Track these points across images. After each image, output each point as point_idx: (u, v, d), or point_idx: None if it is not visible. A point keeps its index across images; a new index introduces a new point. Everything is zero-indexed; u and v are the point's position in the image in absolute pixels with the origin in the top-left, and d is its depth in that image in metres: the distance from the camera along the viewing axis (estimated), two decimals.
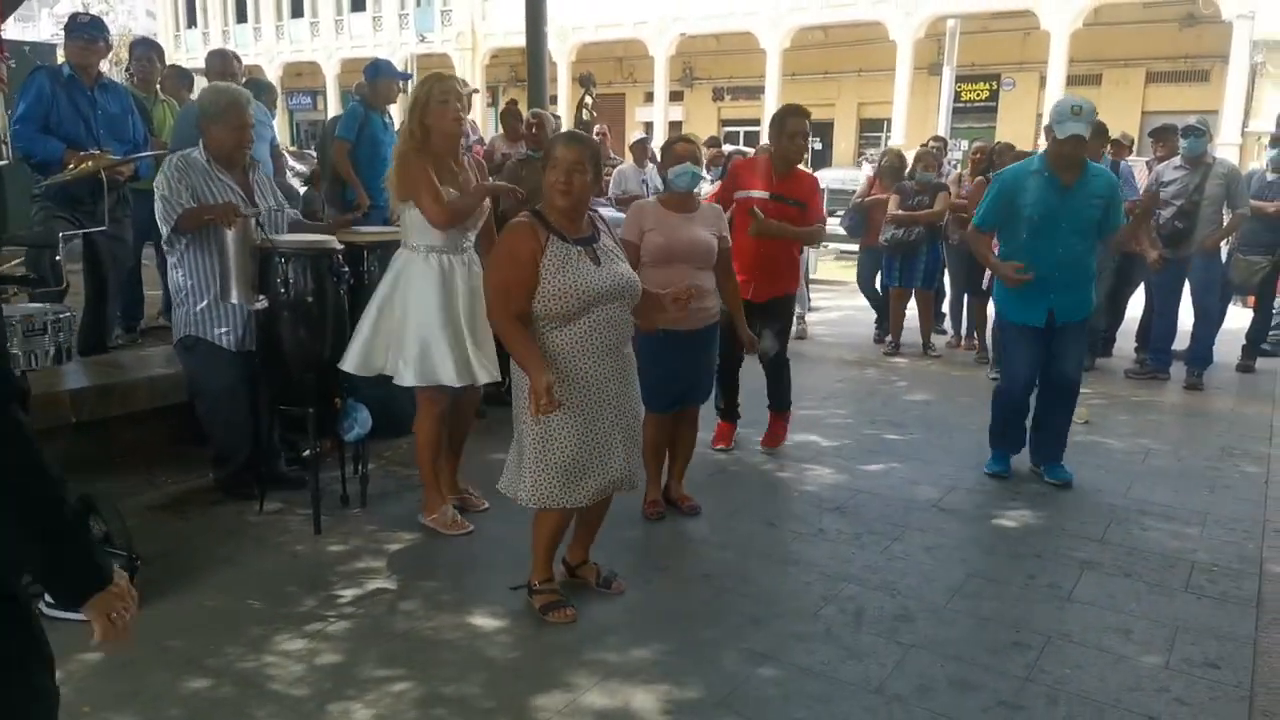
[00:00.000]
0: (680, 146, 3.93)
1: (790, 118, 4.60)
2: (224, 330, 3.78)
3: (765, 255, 4.57)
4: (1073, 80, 22.96)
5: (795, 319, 8.18)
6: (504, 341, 3.00)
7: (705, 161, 8.89)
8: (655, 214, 3.82)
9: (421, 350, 3.56)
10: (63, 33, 4.90)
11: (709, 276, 3.88)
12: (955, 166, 9.85)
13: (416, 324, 3.58)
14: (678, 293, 3.12)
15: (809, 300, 8.67)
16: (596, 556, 3.37)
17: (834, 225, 9.44)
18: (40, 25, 33.08)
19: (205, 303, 3.75)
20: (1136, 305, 7.31)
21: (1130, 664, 2.89)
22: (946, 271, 7.62)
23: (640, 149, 8.45)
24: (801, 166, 4.77)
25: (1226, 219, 6.41)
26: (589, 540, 3.34)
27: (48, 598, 2.94)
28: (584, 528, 3.31)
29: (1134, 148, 8.86)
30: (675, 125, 29.84)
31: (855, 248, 8.49)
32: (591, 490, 2.99)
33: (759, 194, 4.59)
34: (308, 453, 3.84)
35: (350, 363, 3.64)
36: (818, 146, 10.76)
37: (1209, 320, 6.57)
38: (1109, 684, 2.77)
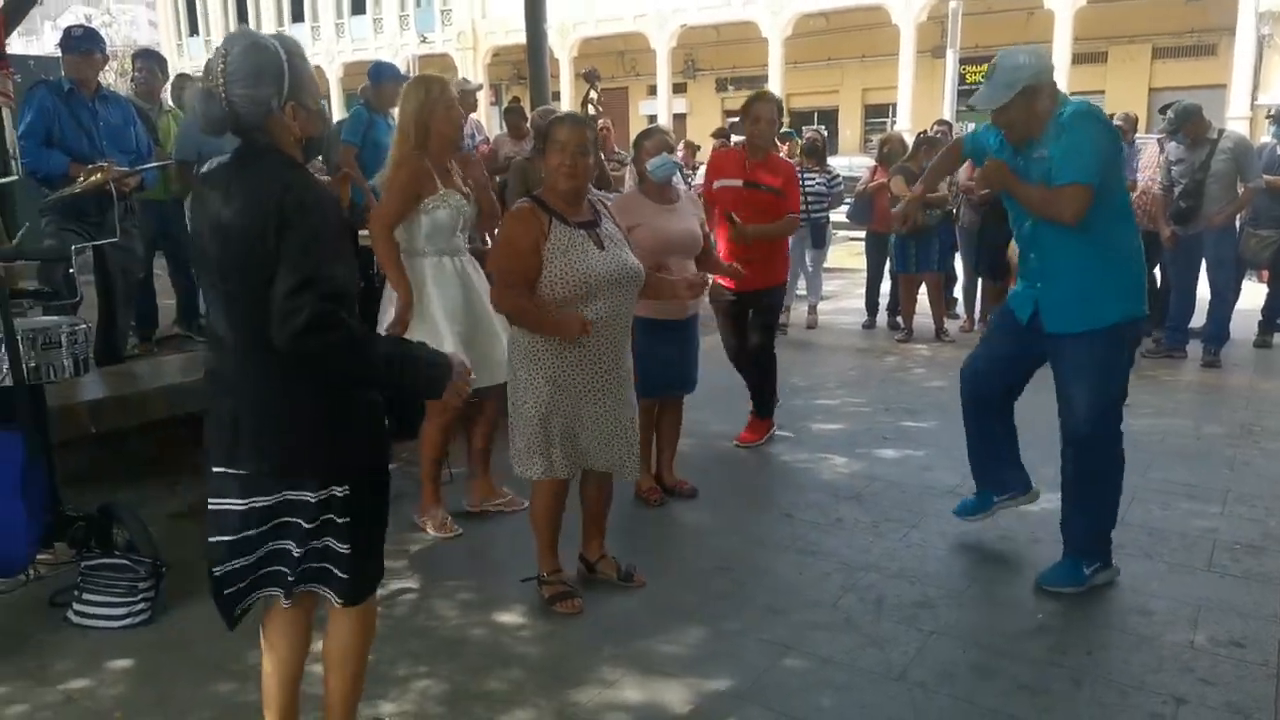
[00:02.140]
0: (651, 141, 3.89)
1: (755, 103, 4.55)
2: None
3: (745, 246, 4.50)
4: (1078, 59, 22.81)
5: (809, 308, 8.26)
6: (519, 322, 2.98)
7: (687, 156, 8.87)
8: (640, 207, 3.80)
9: (466, 352, 3.56)
10: (59, 48, 4.93)
11: (690, 265, 3.89)
12: None
13: (450, 328, 3.55)
14: (694, 279, 3.21)
15: (821, 289, 8.67)
16: (610, 550, 3.38)
17: (840, 215, 9.49)
18: (44, 38, 33.23)
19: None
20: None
21: (1153, 645, 2.88)
22: (958, 254, 7.60)
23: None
24: (783, 155, 4.76)
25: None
26: (599, 533, 3.34)
27: (75, 606, 2.98)
28: (591, 521, 3.33)
29: (1138, 126, 8.76)
30: (679, 118, 29.81)
31: (862, 234, 8.48)
32: (564, 458, 3.02)
33: (733, 182, 4.57)
34: None
35: None
36: (824, 132, 10.72)
37: (1224, 297, 6.53)
38: (1132, 666, 2.76)
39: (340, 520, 2.03)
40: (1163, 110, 7.38)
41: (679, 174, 4.52)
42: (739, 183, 4.54)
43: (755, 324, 4.70)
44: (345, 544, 2.06)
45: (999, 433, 3.48)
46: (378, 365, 1.94)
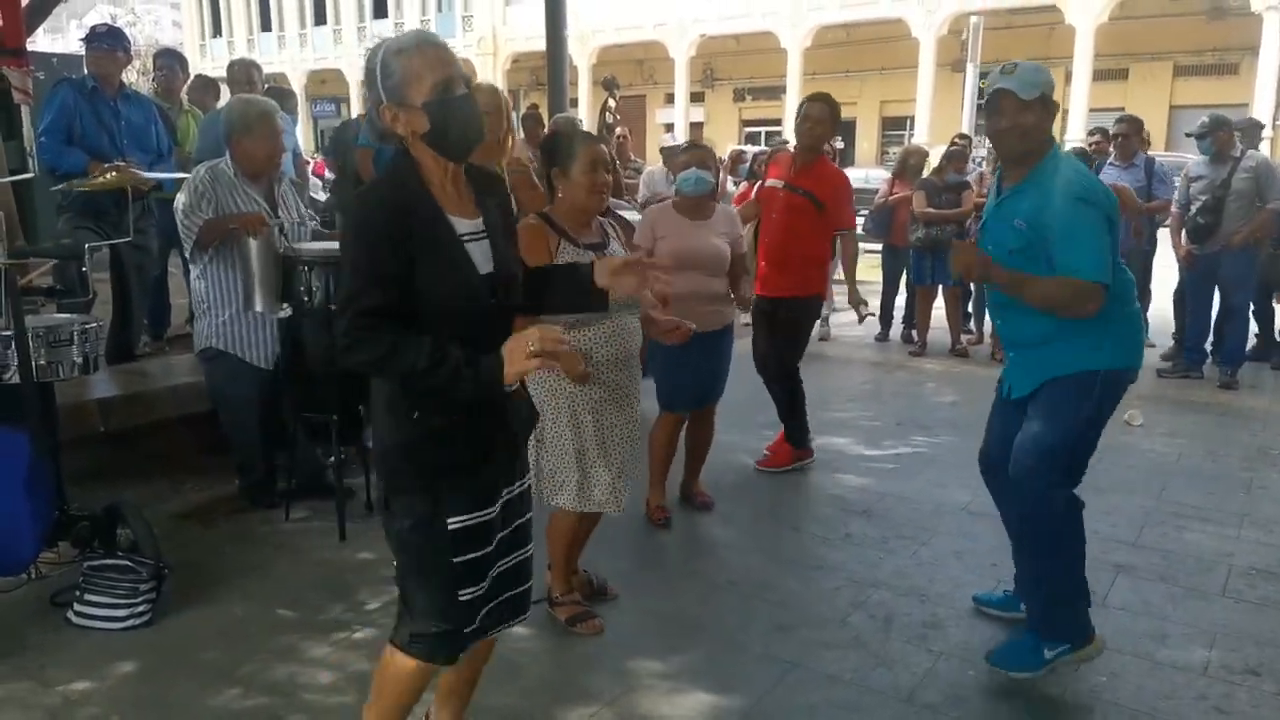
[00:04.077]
0: (686, 155, 3.89)
1: (807, 103, 4.46)
2: (242, 343, 3.78)
3: (774, 244, 4.44)
4: (1099, 75, 22.73)
5: (821, 320, 8.21)
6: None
7: (728, 165, 8.91)
8: (669, 220, 3.79)
9: None
10: (83, 44, 4.96)
11: (722, 282, 3.87)
12: (980, 165, 9.75)
13: None
14: (669, 327, 2.98)
15: (833, 301, 8.62)
16: (618, 564, 3.35)
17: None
18: (69, 36, 33.56)
19: (228, 314, 3.75)
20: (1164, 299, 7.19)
21: (1167, 671, 2.83)
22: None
23: (670, 153, 8.44)
24: (829, 160, 4.55)
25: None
26: (571, 556, 3.21)
27: (76, 606, 2.97)
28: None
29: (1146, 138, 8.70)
30: (696, 126, 29.83)
31: (878, 247, 8.44)
32: (603, 492, 2.95)
33: (776, 183, 4.52)
34: (331, 459, 3.86)
35: None
36: (840, 145, 10.71)
37: (1240, 318, 6.45)
38: (1145, 692, 2.71)
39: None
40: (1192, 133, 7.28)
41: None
42: (780, 184, 4.49)
43: (778, 335, 4.55)
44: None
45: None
46: (421, 370, 1.79)
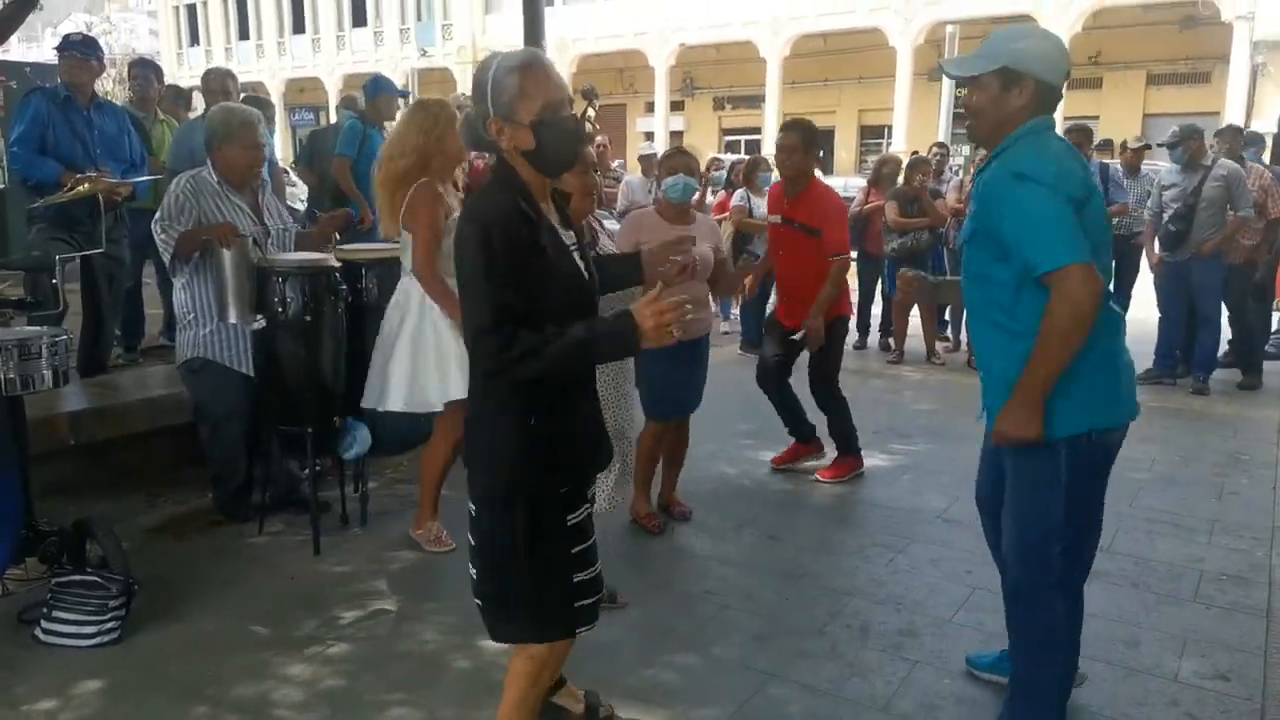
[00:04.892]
0: (673, 160, 3.91)
1: (780, 133, 4.48)
2: (229, 353, 3.75)
3: (787, 279, 4.54)
4: (1073, 84, 22.68)
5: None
6: None
7: (706, 173, 8.93)
8: (652, 225, 3.80)
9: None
10: (56, 53, 4.92)
11: (704, 288, 3.88)
12: (957, 173, 9.83)
13: (459, 348, 3.41)
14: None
15: None
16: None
17: None
18: (44, 45, 33.25)
19: (210, 326, 3.72)
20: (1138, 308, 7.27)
21: (1139, 677, 2.85)
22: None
23: (648, 161, 8.46)
24: (819, 183, 4.45)
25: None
26: None
27: (43, 624, 2.93)
28: None
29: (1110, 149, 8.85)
30: (676, 135, 29.91)
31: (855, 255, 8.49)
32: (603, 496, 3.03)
33: (774, 219, 4.57)
34: (306, 472, 3.83)
35: (395, 401, 3.56)
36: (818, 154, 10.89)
37: (1210, 325, 6.53)
38: (1118, 698, 2.73)
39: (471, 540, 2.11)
40: (1218, 134, 7.28)
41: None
42: (778, 219, 4.52)
43: (814, 358, 4.58)
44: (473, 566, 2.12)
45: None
46: (566, 359, 1.92)
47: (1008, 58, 2.29)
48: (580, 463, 2.12)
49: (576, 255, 2.07)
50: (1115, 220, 6.74)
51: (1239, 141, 7.07)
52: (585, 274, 2.08)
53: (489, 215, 1.90)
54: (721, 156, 12.73)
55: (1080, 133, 6.96)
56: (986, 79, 2.32)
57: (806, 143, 4.33)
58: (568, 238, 2.06)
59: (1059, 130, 2.54)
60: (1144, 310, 7.19)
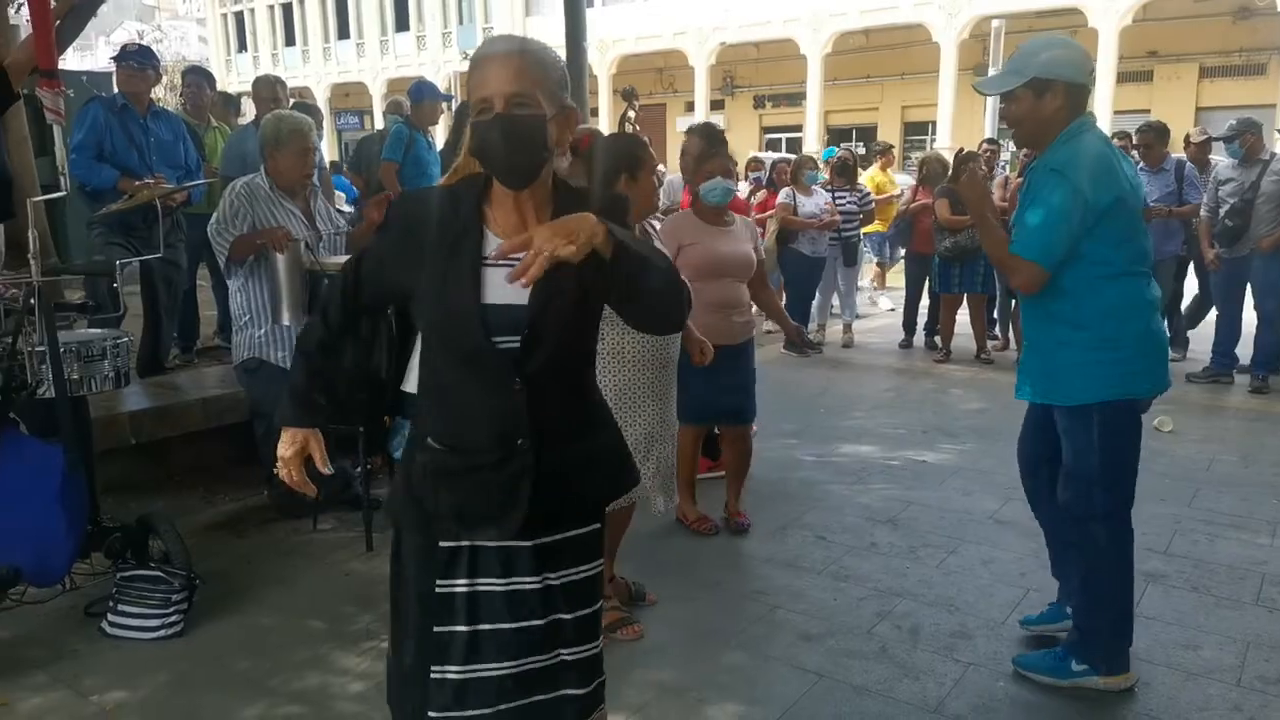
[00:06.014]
0: (712, 164, 3.84)
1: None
2: (283, 354, 3.83)
3: None
4: (1123, 77, 22.50)
5: (844, 327, 8.22)
6: None
7: (743, 171, 8.88)
8: (692, 227, 3.79)
9: None
10: (113, 63, 5.05)
11: (744, 290, 3.88)
12: (1004, 169, 9.69)
13: None
14: (705, 349, 3.29)
15: (856, 307, 8.61)
16: (644, 573, 3.35)
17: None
18: (98, 54, 34.13)
19: (265, 328, 3.80)
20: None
21: (1200, 682, 2.79)
22: (996, 274, 7.49)
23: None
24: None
25: None
26: (611, 558, 3.26)
27: (110, 616, 3.02)
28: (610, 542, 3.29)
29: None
30: None
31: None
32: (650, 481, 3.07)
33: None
34: (358, 470, 3.90)
35: None
36: (860, 150, 10.78)
37: (1271, 323, 6.36)
38: (1178, 703, 2.68)
39: None
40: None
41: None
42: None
43: None
44: None
45: (1056, 517, 2.89)
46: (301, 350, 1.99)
47: (1036, 69, 2.61)
48: (460, 518, 1.71)
49: (497, 270, 1.62)
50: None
51: None
52: (499, 294, 1.62)
53: (406, 198, 1.80)
54: (761, 156, 12.68)
55: (1152, 132, 6.82)
56: (1020, 92, 2.64)
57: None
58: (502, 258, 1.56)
59: (1109, 127, 2.89)
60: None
